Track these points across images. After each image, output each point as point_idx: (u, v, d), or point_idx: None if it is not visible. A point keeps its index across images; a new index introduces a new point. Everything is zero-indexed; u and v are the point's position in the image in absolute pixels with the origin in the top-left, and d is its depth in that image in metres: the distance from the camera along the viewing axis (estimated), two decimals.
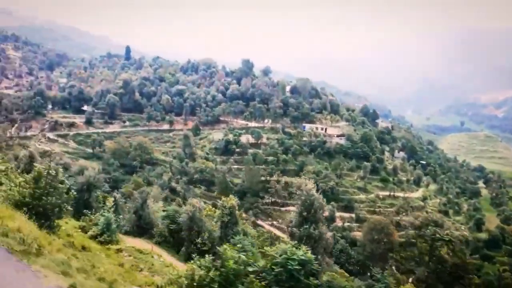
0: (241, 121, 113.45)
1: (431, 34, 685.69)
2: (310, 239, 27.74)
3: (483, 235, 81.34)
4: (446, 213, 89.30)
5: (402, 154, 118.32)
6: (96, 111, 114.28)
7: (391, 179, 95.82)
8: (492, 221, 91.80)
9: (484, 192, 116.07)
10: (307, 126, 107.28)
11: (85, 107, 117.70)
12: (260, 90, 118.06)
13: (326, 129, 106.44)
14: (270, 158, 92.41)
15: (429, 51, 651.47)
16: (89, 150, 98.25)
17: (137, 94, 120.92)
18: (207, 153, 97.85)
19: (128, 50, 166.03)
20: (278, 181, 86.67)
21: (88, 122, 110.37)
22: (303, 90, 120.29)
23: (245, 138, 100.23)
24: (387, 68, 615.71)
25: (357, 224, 79.60)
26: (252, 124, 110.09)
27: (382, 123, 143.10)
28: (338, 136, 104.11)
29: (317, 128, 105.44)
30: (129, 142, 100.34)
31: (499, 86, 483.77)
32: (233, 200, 28.43)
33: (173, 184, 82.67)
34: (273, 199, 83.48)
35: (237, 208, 29.22)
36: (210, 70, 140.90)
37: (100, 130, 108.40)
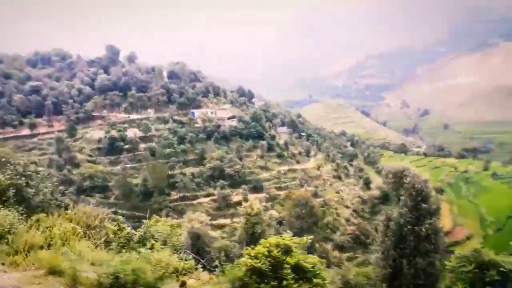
0: (120, 114, 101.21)
1: (272, 15, 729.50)
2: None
3: (375, 192, 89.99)
4: (339, 178, 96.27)
5: (285, 128, 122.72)
6: None
7: (285, 153, 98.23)
8: (374, 178, 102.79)
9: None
10: (196, 111, 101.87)
11: None
12: (135, 78, 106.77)
13: (215, 112, 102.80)
14: (167, 150, 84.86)
15: (268, 31, 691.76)
16: None
17: None
18: (90, 155, 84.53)
19: None
20: (183, 174, 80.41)
21: None
22: (182, 74, 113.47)
23: (132, 133, 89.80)
24: (238, 51, 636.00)
25: (270, 203, 79.70)
26: (134, 116, 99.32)
27: (257, 102, 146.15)
28: (229, 118, 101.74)
29: (207, 113, 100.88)
30: None
31: (334, 58, 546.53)
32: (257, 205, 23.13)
33: (59, 197, 68.87)
34: (181, 194, 77.00)
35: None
36: (67, 60, 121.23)
37: None
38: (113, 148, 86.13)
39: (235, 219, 65.81)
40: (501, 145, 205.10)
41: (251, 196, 79.92)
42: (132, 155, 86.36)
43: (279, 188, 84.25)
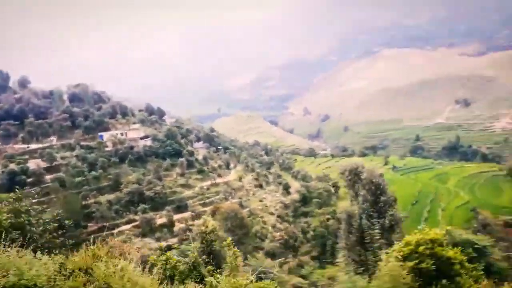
0: (17, 145, 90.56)
1: (171, 31, 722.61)
2: None
3: (295, 196, 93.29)
4: (261, 186, 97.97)
5: (201, 143, 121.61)
6: None
7: (205, 168, 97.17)
8: (292, 183, 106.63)
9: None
10: (105, 134, 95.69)
11: None
12: (31, 104, 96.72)
13: (126, 133, 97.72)
14: (78, 179, 78.12)
15: (173, 46, 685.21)
16: None
17: None
18: None
19: None
20: (98, 202, 74.56)
21: None
22: (85, 96, 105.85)
23: (34, 164, 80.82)
24: (140, 68, 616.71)
25: (195, 222, 77.73)
26: (34, 145, 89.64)
27: (168, 119, 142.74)
28: (142, 138, 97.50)
29: (117, 135, 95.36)
30: None
31: (239, 72, 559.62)
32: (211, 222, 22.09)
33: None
34: (99, 224, 71.17)
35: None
36: None
37: None
38: (13, 183, 76.52)
39: (170, 242, 62.63)
40: (395, 140, 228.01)
41: (177, 217, 77.50)
42: (38, 189, 77.69)
43: (204, 204, 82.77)
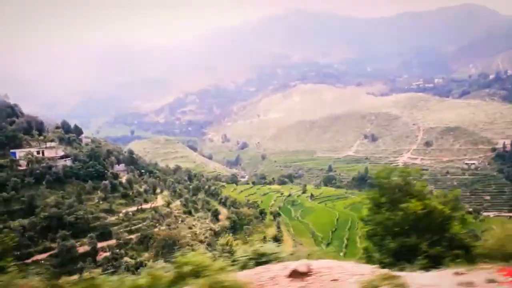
0: None
1: (83, 46, 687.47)
2: None
3: (226, 223, 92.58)
4: (190, 213, 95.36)
5: (122, 166, 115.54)
6: None
7: (130, 193, 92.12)
8: (220, 209, 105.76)
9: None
10: (18, 152, 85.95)
11: None
12: None
13: (43, 152, 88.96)
14: None
15: (82, 62, 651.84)
16: None
17: None
18: None
19: None
20: (8, 228, 65.75)
21: None
22: None
23: None
24: (45, 83, 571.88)
25: (122, 251, 72.54)
26: None
27: (85, 139, 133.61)
28: (62, 158, 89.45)
29: (32, 153, 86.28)
30: None
31: (154, 94, 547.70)
32: None
33: None
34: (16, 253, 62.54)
35: None
36: None
37: None
38: None
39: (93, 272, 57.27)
40: (309, 170, 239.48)
41: (101, 245, 71.69)
42: None
43: (130, 232, 77.93)
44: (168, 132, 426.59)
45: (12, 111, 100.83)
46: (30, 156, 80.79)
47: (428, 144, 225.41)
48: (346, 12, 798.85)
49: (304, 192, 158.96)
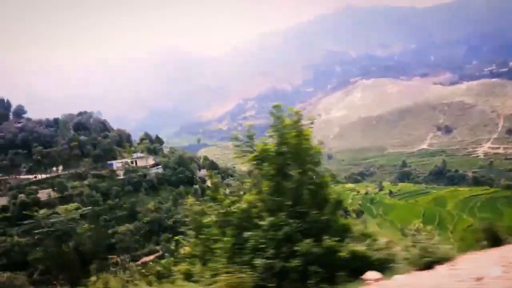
0: (21, 176, 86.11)
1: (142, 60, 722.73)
2: None
3: None
4: None
5: (204, 171, 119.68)
6: None
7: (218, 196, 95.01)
8: None
9: None
10: (114, 163, 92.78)
11: None
12: (36, 133, 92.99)
13: (136, 161, 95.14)
14: (95, 209, 74.64)
15: (144, 76, 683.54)
16: None
17: None
18: None
19: None
20: (117, 233, 71.13)
21: None
22: (90, 124, 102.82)
23: (45, 195, 76.87)
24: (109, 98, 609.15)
25: None
26: (41, 175, 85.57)
27: (165, 148, 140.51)
28: (153, 166, 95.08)
29: (127, 163, 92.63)
30: None
31: (215, 103, 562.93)
32: None
33: None
34: (122, 256, 67.58)
35: None
36: None
37: None
38: (24, 215, 72.16)
39: None
40: (380, 167, 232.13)
41: None
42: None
43: None
44: (230, 139, 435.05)
45: (104, 126, 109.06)
46: (127, 166, 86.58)
47: (511, 132, 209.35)
48: (400, 2, 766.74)
49: (381, 189, 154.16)
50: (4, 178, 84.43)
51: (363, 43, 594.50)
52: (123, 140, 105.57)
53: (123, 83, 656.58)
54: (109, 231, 71.38)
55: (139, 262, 68.80)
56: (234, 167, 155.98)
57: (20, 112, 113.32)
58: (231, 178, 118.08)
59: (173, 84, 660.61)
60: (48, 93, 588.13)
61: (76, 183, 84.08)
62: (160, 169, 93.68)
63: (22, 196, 74.78)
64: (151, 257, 70.69)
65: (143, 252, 70.70)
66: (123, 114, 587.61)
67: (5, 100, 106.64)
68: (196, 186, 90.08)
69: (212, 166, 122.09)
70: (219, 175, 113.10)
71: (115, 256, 67.81)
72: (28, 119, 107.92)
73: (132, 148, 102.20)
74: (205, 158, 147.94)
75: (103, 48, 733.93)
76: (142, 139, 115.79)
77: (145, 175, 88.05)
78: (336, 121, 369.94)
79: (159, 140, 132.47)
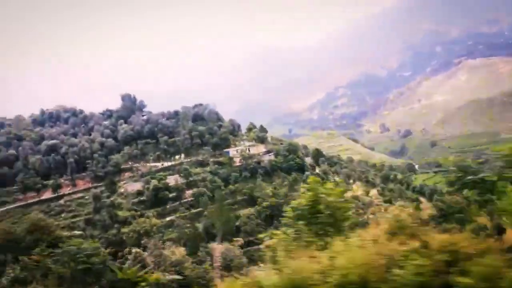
0: (148, 163, 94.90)
1: (231, 54, 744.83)
2: None
3: (433, 212, 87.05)
4: (390, 201, 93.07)
5: (309, 159, 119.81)
6: None
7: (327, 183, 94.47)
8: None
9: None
10: (231, 150, 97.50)
11: None
12: (160, 124, 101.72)
13: (249, 149, 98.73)
14: (219, 193, 79.16)
15: (233, 70, 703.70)
16: None
17: None
18: (136, 210, 77.32)
19: None
20: (238, 216, 74.70)
21: None
22: (207, 115, 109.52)
23: (173, 180, 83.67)
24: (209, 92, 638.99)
25: None
26: (167, 163, 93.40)
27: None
28: (266, 153, 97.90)
29: (241, 151, 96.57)
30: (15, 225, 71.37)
31: (305, 93, 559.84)
32: None
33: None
34: (246, 239, 70.86)
35: None
36: (80, 115, 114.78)
37: None
38: (157, 199, 79.58)
39: None
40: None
41: None
42: (177, 204, 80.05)
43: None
44: (323, 127, 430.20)
45: (217, 117, 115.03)
46: (243, 153, 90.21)
47: None
48: None
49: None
50: (135, 165, 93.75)
51: (467, 19, 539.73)
52: (235, 129, 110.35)
53: (219, 77, 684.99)
54: (232, 214, 75.06)
55: (262, 246, 71.51)
56: (339, 156, 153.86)
57: (141, 106, 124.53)
58: (338, 166, 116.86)
59: (263, 77, 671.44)
60: (155, 88, 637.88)
61: (198, 169, 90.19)
62: (272, 156, 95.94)
63: (153, 182, 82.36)
64: (273, 241, 72.89)
65: (266, 235, 73.01)
66: (219, 106, 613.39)
67: (132, 96, 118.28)
68: (308, 173, 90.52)
69: (317, 154, 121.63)
70: (327, 163, 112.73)
71: (240, 239, 71.28)
72: (149, 112, 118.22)
73: (245, 137, 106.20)
74: (304, 147, 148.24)
75: (208, 48, 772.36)
76: (249, 129, 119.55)
77: (259, 162, 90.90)
78: (439, 106, 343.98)
79: (263, 129, 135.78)
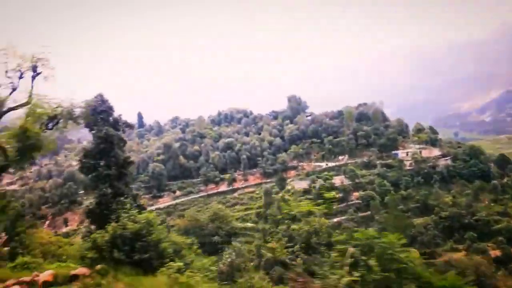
0: (312, 163, 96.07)
1: (398, 55, 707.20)
2: None
3: None
4: None
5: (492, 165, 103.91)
6: (141, 185, 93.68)
7: None
8: None
9: None
10: (399, 153, 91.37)
11: None
12: (324, 124, 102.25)
13: (420, 152, 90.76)
14: (387, 198, 74.92)
15: (397, 70, 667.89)
16: None
17: (181, 157, 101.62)
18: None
19: (140, 116, 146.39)
20: (412, 225, 68.90)
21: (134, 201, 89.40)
22: (373, 115, 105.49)
23: (338, 181, 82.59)
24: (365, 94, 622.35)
25: None
26: (331, 163, 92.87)
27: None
28: (441, 157, 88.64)
29: (413, 154, 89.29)
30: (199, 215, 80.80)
31: (474, 93, 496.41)
32: None
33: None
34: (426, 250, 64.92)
35: None
36: (251, 116, 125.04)
37: (153, 207, 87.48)
38: (320, 198, 79.54)
39: None
40: None
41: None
42: (344, 206, 78.55)
43: None
44: (498, 131, 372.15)
45: (383, 117, 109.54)
46: (416, 156, 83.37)
47: None
48: None
49: None
50: (300, 164, 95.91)
51: None
52: (403, 130, 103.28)
53: (376, 79, 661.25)
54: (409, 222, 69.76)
55: (441, 259, 64.45)
56: None
57: (304, 107, 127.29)
58: None
59: (423, 77, 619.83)
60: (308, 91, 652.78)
61: (364, 171, 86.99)
62: (448, 161, 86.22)
63: (319, 181, 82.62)
64: (453, 255, 65.01)
65: (443, 248, 65.80)
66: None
67: (297, 97, 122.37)
68: (495, 182, 78.32)
69: (503, 160, 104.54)
70: None
71: (415, 250, 65.65)
72: (312, 113, 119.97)
73: (416, 138, 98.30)
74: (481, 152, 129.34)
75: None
76: (418, 129, 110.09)
77: (434, 167, 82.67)
78: None
79: (434, 131, 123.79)
